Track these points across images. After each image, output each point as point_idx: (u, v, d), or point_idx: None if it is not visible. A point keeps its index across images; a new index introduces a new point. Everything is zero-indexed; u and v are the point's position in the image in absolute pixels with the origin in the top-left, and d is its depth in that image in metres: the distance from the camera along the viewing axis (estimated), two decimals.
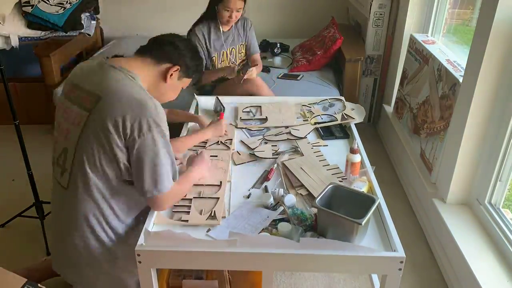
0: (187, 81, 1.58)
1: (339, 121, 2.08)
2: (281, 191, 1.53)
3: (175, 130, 1.92)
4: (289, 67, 3.26)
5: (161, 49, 1.48)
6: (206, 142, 1.91)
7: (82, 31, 3.40)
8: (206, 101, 2.33)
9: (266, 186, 1.62)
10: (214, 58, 2.61)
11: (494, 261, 1.71)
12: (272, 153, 1.83)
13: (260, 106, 2.25)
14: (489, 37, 1.70)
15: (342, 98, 2.30)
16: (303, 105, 2.26)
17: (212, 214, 1.44)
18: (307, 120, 2.11)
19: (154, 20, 3.79)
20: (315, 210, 1.40)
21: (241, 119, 2.13)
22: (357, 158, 1.60)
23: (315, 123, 2.08)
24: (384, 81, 3.24)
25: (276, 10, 3.92)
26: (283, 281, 1.92)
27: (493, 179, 1.85)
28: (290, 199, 1.49)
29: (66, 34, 3.30)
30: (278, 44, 3.52)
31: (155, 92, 1.47)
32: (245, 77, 2.49)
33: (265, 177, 1.68)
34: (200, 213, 1.45)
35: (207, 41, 2.57)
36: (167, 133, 1.39)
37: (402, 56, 2.88)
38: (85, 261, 1.46)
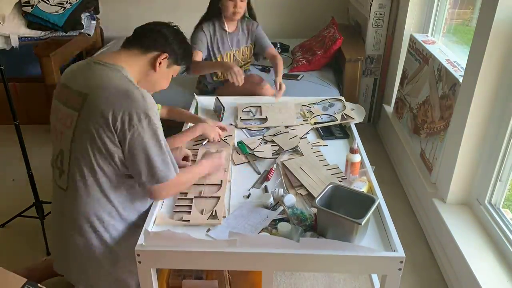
0: (177, 69, 1.56)
1: (339, 121, 2.08)
2: (281, 191, 1.53)
3: (175, 129, 1.92)
4: (289, 67, 3.26)
5: (147, 38, 1.46)
6: (204, 139, 1.91)
7: (82, 31, 3.40)
8: (206, 101, 2.33)
9: (266, 186, 1.62)
10: (218, 59, 2.56)
11: (494, 261, 1.71)
12: (272, 153, 1.83)
13: (260, 106, 2.25)
14: (489, 37, 1.70)
15: (342, 98, 2.31)
16: (303, 105, 2.26)
17: (213, 214, 1.44)
18: (307, 120, 2.11)
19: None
20: (315, 210, 1.40)
21: (241, 119, 2.13)
22: (357, 158, 1.60)
23: (315, 123, 2.08)
24: (384, 81, 3.24)
25: (276, 10, 3.92)
26: (283, 281, 1.92)
27: (493, 179, 1.85)
28: (290, 199, 1.49)
29: (66, 34, 3.30)
30: (278, 44, 3.52)
31: (146, 82, 1.46)
32: (278, 97, 2.35)
33: (264, 177, 1.68)
34: (201, 213, 1.45)
35: (212, 42, 2.51)
36: (158, 121, 1.37)
37: (402, 56, 2.88)
38: (86, 261, 1.46)
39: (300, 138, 1.94)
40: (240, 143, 1.90)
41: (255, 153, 1.83)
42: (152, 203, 1.50)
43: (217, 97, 2.24)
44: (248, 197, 1.57)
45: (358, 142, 1.74)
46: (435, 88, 2.29)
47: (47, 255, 2.08)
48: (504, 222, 1.79)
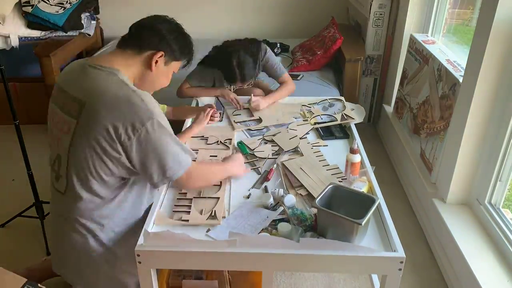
0: (176, 65, 1.50)
1: (339, 121, 2.08)
2: (281, 191, 1.53)
3: (176, 128, 1.93)
4: (289, 67, 3.26)
5: (140, 37, 1.40)
6: (207, 140, 1.93)
7: (82, 31, 3.40)
8: (206, 101, 2.33)
9: (266, 186, 1.62)
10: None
11: (494, 261, 1.71)
12: (273, 153, 1.83)
13: (248, 108, 2.23)
14: (489, 37, 1.70)
15: (342, 98, 2.30)
16: (303, 105, 2.26)
17: (213, 214, 1.44)
18: (307, 120, 2.11)
19: None
20: (315, 210, 1.40)
21: (236, 122, 2.12)
22: (357, 158, 1.60)
23: (315, 123, 2.08)
24: (384, 81, 3.24)
25: (276, 10, 3.92)
26: (283, 281, 1.92)
27: (493, 179, 1.85)
28: (290, 199, 1.49)
29: (66, 34, 3.30)
30: (278, 44, 3.52)
31: (144, 82, 1.42)
32: (250, 106, 2.23)
33: (264, 177, 1.68)
34: (201, 213, 1.45)
35: (216, 82, 2.40)
36: (162, 118, 1.34)
37: (402, 56, 2.88)
38: (85, 262, 1.46)
39: (300, 138, 1.94)
40: (240, 143, 1.90)
41: (255, 153, 1.83)
42: (152, 204, 1.50)
43: (217, 98, 2.24)
44: (248, 197, 1.57)
45: (358, 142, 1.74)
46: (435, 88, 2.29)
47: (47, 255, 2.08)
48: (504, 222, 1.79)
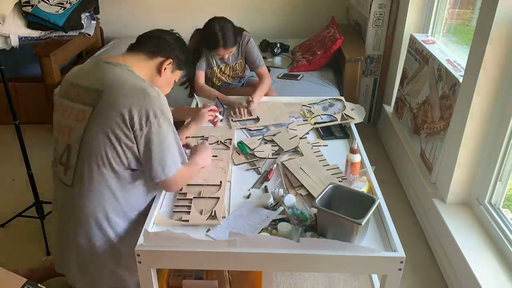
0: (178, 74, 1.62)
1: (339, 121, 2.08)
2: (281, 191, 1.53)
3: (176, 127, 1.93)
4: (289, 67, 3.26)
5: (152, 44, 1.51)
6: (207, 140, 1.93)
7: (82, 31, 3.40)
8: (206, 101, 2.33)
9: (266, 186, 1.62)
10: (208, 72, 2.51)
11: (494, 261, 1.71)
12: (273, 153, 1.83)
13: (247, 108, 2.21)
14: (489, 37, 1.70)
15: (342, 98, 2.31)
16: (303, 105, 2.26)
17: (213, 214, 1.44)
18: (307, 120, 2.11)
19: (154, 20, 3.79)
20: (315, 210, 1.40)
21: (233, 121, 2.13)
22: (357, 158, 1.60)
23: (315, 123, 2.08)
24: (384, 81, 3.24)
25: (276, 10, 3.92)
26: (283, 281, 1.92)
27: (493, 179, 1.85)
28: (290, 199, 1.49)
29: (66, 34, 3.30)
30: (278, 44, 3.52)
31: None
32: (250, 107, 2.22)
33: (264, 177, 1.68)
34: (201, 213, 1.45)
35: (203, 55, 2.44)
36: (171, 118, 1.42)
37: (402, 56, 2.88)
38: (89, 258, 1.47)
39: (300, 138, 1.94)
40: (240, 143, 1.90)
41: (255, 153, 1.83)
42: (153, 202, 1.50)
43: (217, 98, 2.24)
44: (248, 197, 1.57)
45: (358, 142, 1.74)
46: (435, 88, 2.29)
47: (47, 255, 2.08)
48: (504, 222, 1.79)
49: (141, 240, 1.30)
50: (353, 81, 3.02)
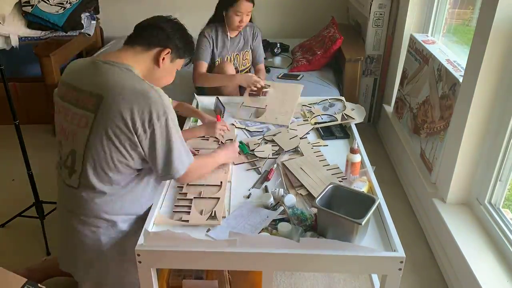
0: (180, 62, 1.56)
1: (339, 121, 2.08)
2: (281, 191, 1.53)
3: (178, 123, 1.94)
4: (289, 67, 3.26)
5: (148, 34, 1.46)
6: (208, 140, 1.94)
7: (82, 31, 3.40)
8: (206, 101, 2.33)
9: (266, 186, 1.62)
10: (217, 62, 2.56)
11: (494, 261, 1.71)
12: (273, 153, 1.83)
13: (267, 90, 2.31)
14: (489, 37, 1.70)
15: (343, 98, 2.31)
16: (303, 105, 2.26)
17: (213, 214, 1.44)
18: (307, 120, 2.11)
19: None
20: (315, 210, 1.40)
21: (243, 105, 2.18)
22: (357, 158, 1.60)
23: (315, 123, 2.08)
24: (384, 81, 3.24)
25: (276, 10, 3.92)
26: (283, 281, 1.92)
27: (493, 179, 1.85)
28: (290, 199, 1.49)
29: (66, 34, 3.30)
30: (278, 44, 3.52)
31: (151, 79, 1.47)
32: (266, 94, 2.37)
33: (265, 177, 1.68)
34: (201, 213, 1.45)
35: (214, 45, 2.53)
36: (174, 117, 1.40)
37: (402, 56, 2.88)
38: (95, 256, 1.47)
39: (301, 138, 1.94)
40: (240, 143, 1.90)
41: (255, 153, 1.83)
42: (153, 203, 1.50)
43: (217, 97, 2.24)
44: (248, 197, 1.57)
45: (358, 142, 1.74)
46: (435, 88, 2.29)
47: (47, 255, 2.08)
48: (504, 222, 1.79)
49: (141, 240, 1.30)
50: (353, 81, 3.02)
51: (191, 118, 2.13)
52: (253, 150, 1.85)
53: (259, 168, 1.74)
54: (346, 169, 1.64)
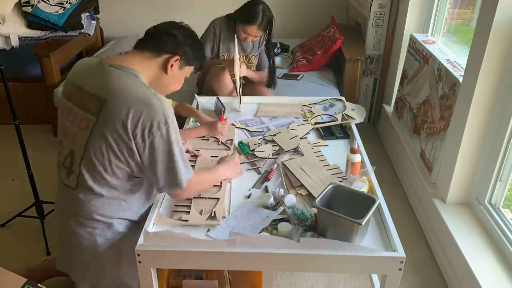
0: (189, 69, 1.54)
1: (339, 121, 2.08)
2: (281, 191, 1.53)
3: (178, 123, 1.94)
4: (289, 67, 3.26)
5: (159, 40, 1.44)
6: (208, 140, 1.94)
7: (82, 31, 3.40)
8: (207, 101, 2.33)
9: (266, 186, 1.62)
10: (222, 57, 2.53)
11: (494, 261, 1.71)
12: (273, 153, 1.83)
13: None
14: (489, 37, 1.70)
15: (343, 98, 2.31)
16: (303, 105, 2.26)
17: (212, 215, 1.44)
18: (307, 120, 2.11)
19: (154, 20, 3.80)
20: (315, 210, 1.40)
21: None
22: (357, 158, 1.60)
23: (316, 123, 2.08)
24: (384, 81, 3.24)
25: (276, 10, 3.88)
26: (283, 281, 1.92)
27: (493, 179, 1.85)
28: (290, 199, 1.49)
29: (66, 34, 3.30)
30: (278, 44, 3.52)
31: (158, 85, 1.46)
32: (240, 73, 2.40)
33: (265, 177, 1.68)
34: (200, 213, 1.45)
35: (221, 39, 2.49)
36: (176, 125, 1.37)
37: (402, 56, 2.88)
38: (91, 258, 1.47)
39: (301, 138, 1.94)
40: (241, 143, 1.90)
41: (256, 153, 1.83)
42: (153, 203, 1.50)
43: (218, 97, 2.24)
44: (248, 197, 1.57)
45: (358, 142, 1.74)
46: (435, 88, 2.29)
47: (47, 255, 2.08)
48: (504, 222, 1.79)
49: (141, 240, 1.30)
50: (353, 81, 3.02)
51: (191, 118, 2.13)
52: (253, 150, 1.85)
53: (259, 168, 1.74)
54: (346, 169, 1.64)
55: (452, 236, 1.84)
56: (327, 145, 1.91)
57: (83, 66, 1.46)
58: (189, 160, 1.76)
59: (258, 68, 2.70)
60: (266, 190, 1.60)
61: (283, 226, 1.36)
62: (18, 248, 2.15)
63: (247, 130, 2.06)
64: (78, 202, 1.41)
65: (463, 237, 1.84)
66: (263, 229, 1.38)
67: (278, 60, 3.43)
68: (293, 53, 3.51)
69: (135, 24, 3.89)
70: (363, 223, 1.23)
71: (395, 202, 2.48)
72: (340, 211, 1.27)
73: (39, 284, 1.41)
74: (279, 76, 3.09)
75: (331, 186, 1.39)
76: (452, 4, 2.60)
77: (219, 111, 2.16)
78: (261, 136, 1.98)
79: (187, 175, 1.41)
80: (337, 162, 1.74)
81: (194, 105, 2.28)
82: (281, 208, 1.46)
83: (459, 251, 1.77)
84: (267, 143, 1.92)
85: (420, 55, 2.55)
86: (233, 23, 2.47)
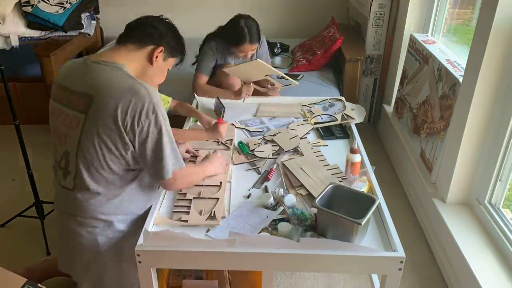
0: (171, 61, 1.55)
1: (339, 121, 2.08)
2: (281, 191, 1.53)
3: (178, 124, 1.94)
4: (289, 67, 3.26)
5: (142, 32, 1.45)
6: (207, 140, 1.93)
7: (82, 31, 3.40)
8: (207, 101, 2.33)
9: (266, 186, 1.62)
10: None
11: (494, 261, 1.71)
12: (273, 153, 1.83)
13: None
14: (489, 37, 1.70)
15: (343, 98, 2.31)
16: (303, 105, 2.26)
17: (212, 215, 1.44)
18: (307, 120, 2.11)
19: None
20: (315, 210, 1.40)
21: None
22: (357, 158, 1.60)
23: (315, 123, 2.08)
24: (384, 81, 3.24)
25: (276, 10, 3.92)
26: (283, 281, 1.92)
27: (493, 179, 1.85)
28: (290, 199, 1.49)
29: (66, 34, 3.29)
30: (278, 44, 3.52)
31: (144, 77, 1.46)
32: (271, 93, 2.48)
33: (265, 177, 1.68)
34: (200, 214, 1.45)
35: (219, 57, 2.49)
36: (164, 113, 1.37)
37: (402, 56, 2.88)
38: (92, 257, 1.47)
39: (301, 138, 1.94)
40: (240, 143, 1.90)
41: (255, 153, 1.83)
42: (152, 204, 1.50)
43: (218, 98, 2.24)
44: (248, 197, 1.57)
45: (358, 142, 1.74)
46: (435, 88, 2.29)
47: (47, 255, 2.08)
48: (504, 222, 1.79)
49: (141, 240, 1.30)
50: (353, 81, 3.02)
51: (191, 118, 2.13)
52: (253, 150, 1.85)
53: (259, 168, 1.74)
54: (346, 169, 1.64)
55: (452, 236, 1.84)
56: (327, 145, 1.91)
57: (68, 67, 1.46)
58: (189, 161, 1.77)
59: None
60: (266, 190, 1.60)
61: (283, 226, 1.36)
62: (18, 248, 2.15)
63: (247, 130, 2.06)
64: (77, 202, 1.41)
65: (463, 237, 1.84)
66: (263, 229, 1.38)
67: (278, 60, 3.44)
68: (293, 53, 3.51)
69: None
70: (363, 223, 1.23)
71: (395, 202, 2.48)
72: (340, 211, 1.27)
73: (39, 284, 1.41)
74: (279, 76, 3.08)
75: (331, 186, 1.39)
76: (452, 4, 2.60)
77: (219, 112, 2.16)
78: (261, 136, 1.98)
79: (175, 165, 1.42)
80: (337, 162, 1.74)
81: (194, 105, 2.28)
82: (281, 208, 1.46)
83: (459, 251, 1.77)
84: (267, 143, 1.92)
85: (420, 55, 2.55)
86: (226, 41, 2.44)
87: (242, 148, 1.87)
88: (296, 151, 1.86)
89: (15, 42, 3.12)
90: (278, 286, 1.90)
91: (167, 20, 1.55)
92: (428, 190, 2.18)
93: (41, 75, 3.04)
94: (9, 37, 3.10)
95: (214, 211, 1.45)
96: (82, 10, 3.42)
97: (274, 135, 1.97)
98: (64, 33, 3.28)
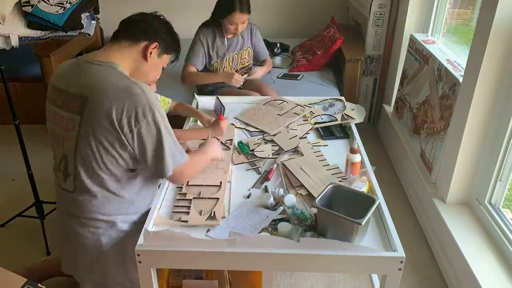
0: (166, 58, 1.54)
1: (339, 121, 2.08)
2: (281, 191, 1.53)
3: (178, 123, 1.94)
4: (289, 67, 3.26)
5: (136, 28, 1.44)
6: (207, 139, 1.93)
7: (82, 31, 3.40)
8: (206, 101, 2.33)
9: (266, 186, 1.62)
10: (216, 64, 2.58)
11: (494, 261, 1.71)
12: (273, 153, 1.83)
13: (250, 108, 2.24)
14: (489, 37, 1.70)
15: (343, 98, 2.31)
16: (303, 105, 2.26)
17: (212, 215, 1.44)
18: (307, 120, 2.11)
19: None
20: (315, 210, 1.40)
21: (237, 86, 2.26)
22: (357, 158, 1.60)
23: (315, 123, 2.08)
24: (384, 81, 3.24)
25: (276, 10, 3.92)
26: (283, 281, 1.92)
27: (493, 179, 1.85)
28: (290, 199, 1.49)
29: (66, 34, 3.29)
30: (278, 44, 3.52)
31: (139, 74, 1.45)
32: (250, 77, 2.55)
33: (265, 177, 1.68)
34: (200, 214, 1.45)
35: (210, 48, 2.53)
36: (162, 111, 1.36)
37: (402, 56, 2.88)
38: (95, 258, 1.47)
39: (300, 138, 1.94)
40: (240, 143, 1.90)
41: (255, 153, 1.83)
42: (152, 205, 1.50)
43: (217, 97, 2.24)
44: (248, 197, 1.57)
45: (358, 142, 1.74)
46: (435, 88, 2.29)
47: (47, 255, 2.08)
48: (504, 222, 1.79)
49: (141, 240, 1.30)
50: (353, 81, 3.02)
51: (191, 118, 2.13)
52: (253, 150, 1.85)
53: (259, 168, 1.74)
54: (346, 169, 1.64)
55: (452, 236, 1.84)
56: (327, 145, 1.91)
57: (62, 68, 1.45)
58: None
59: (257, 58, 2.74)
60: (265, 190, 1.60)
61: (283, 226, 1.36)
62: (18, 248, 2.15)
63: (247, 130, 2.06)
64: (78, 204, 1.41)
65: (463, 237, 1.84)
66: (263, 229, 1.38)
67: (278, 60, 3.44)
68: (293, 53, 3.51)
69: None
70: (363, 223, 1.23)
71: (395, 202, 2.48)
72: (340, 211, 1.27)
73: (39, 284, 1.41)
74: (279, 76, 3.09)
75: (331, 186, 1.39)
76: (452, 4, 2.60)
77: (219, 111, 2.16)
78: (261, 136, 1.98)
79: (182, 159, 1.41)
80: (337, 162, 1.74)
81: (194, 105, 2.28)
82: (281, 208, 1.46)
83: (459, 251, 1.77)
84: (266, 143, 1.92)
85: (420, 55, 2.55)
86: (215, 25, 2.50)
87: (242, 148, 1.87)
88: (296, 151, 1.86)
89: (15, 42, 3.12)
90: (278, 286, 1.90)
91: (161, 17, 1.53)
92: (428, 190, 2.18)
93: (41, 75, 3.04)
94: (9, 37, 3.10)
95: (214, 211, 1.45)
96: (82, 10, 3.42)
97: (274, 135, 1.97)
98: (64, 33, 3.28)
